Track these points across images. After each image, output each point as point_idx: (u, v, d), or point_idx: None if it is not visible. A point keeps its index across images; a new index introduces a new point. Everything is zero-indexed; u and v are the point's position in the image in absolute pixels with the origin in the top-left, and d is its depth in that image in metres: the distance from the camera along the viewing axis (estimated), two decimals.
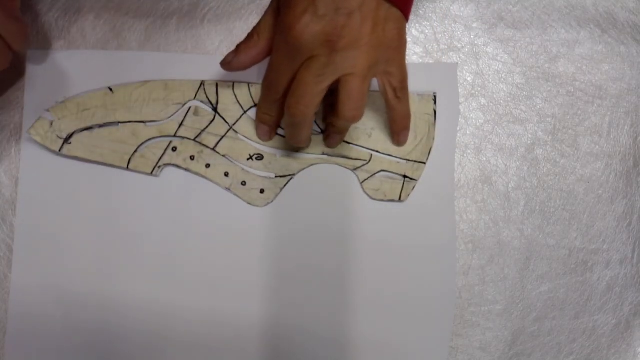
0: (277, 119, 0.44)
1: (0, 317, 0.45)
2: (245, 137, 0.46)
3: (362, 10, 0.36)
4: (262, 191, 0.46)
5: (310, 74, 0.37)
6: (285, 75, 0.39)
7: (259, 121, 0.45)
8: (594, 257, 0.47)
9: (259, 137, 0.45)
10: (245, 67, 0.41)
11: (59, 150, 0.45)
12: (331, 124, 0.44)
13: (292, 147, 0.46)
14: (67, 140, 0.45)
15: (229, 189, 0.46)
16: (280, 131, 0.46)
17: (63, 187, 0.46)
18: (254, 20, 0.47)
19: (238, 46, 0.41)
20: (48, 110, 0.45)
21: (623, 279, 0.46)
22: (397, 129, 0.45)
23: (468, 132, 0.47)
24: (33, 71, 0.46)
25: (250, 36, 0.41)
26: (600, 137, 0.48)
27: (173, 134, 0.46)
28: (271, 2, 0.40)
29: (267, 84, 0.41)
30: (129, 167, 0.45)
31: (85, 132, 0.45)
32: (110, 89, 0.46)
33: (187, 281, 0.45)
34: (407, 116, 0.44)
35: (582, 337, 0.46)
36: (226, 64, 0.41)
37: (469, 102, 0.47)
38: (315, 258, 0.46)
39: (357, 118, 0.39)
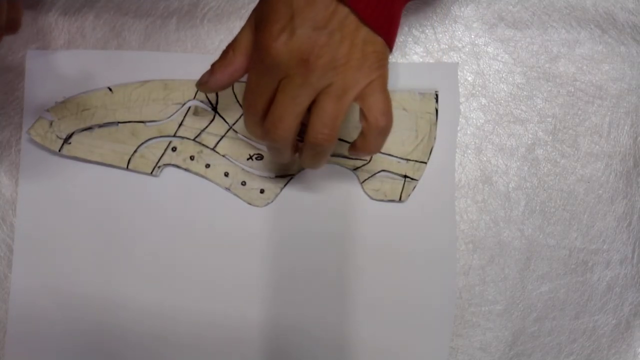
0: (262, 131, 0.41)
1: (1, 317, 0.45)
2: (245, 137, 0.46)
3: (342, 30, 0.35)
4: (262, 191, 0.46)
5: (287, 95, 0.36)
6: (262, 96, 0.37)
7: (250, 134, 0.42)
8: (594, 257, 0.47)
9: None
10: (222, 86, 0.39)
11: (59, 150, 0.45)
12: (300, 153, 0.40)
13: None
14: (66, 140, 0.45)
15: (229, 189, 0.46)
16: None
17: (63, 187, 0.46)
18: None
19: (213, 65, 0.39)
20: (48, 110, 0.45)
21: (623, 279, 0.46)
22: (359, 152, 0.39)
23: (468, 132, 0.47)
24: (33, 71, 0.46)
25: (224, 53, 0.38)
26: (600, 137, 0.48)
27: (173, 134, 0.46)
28: (249, 18, 0.38)
29: (247, 105, 0.38)
30: (129, 167, 0.45)
31: (85, 132, 0.45)
32: (110, 89, 0.46)
33: (187, 282, 0.45)
34: (378, 148, 0.39)
35: (583, 337, 0.46)
36: (202, 84, 0.39)
37: (470, 102, 0.47)
38: (315, 258, 0.46)
39: (325, 141, 0.36)
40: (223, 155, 0.46)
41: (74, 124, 0.45)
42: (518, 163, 0.47)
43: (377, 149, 0.39)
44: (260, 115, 0.38)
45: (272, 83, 0.36)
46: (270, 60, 0.35)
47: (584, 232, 0.47)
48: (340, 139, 0.46)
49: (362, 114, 0.37)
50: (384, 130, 0.37)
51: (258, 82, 0.37)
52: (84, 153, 0.45)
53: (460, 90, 0.47)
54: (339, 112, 0.36)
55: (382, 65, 0.37)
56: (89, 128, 0.45)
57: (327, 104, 0.36)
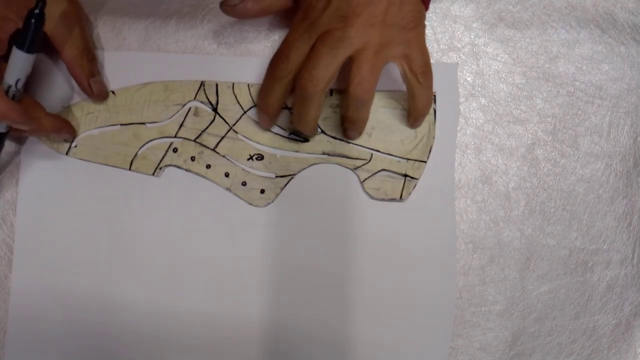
0: (279, 102, 0.43)
1: (1, 318, 0.45)
2: (245, 137, 0.46)
3: None
4: (262, 191, 0.46)
5: (325, 46, 0.38)
6: (300, 50, 0.39)
7: (259, 109, 0.45)
8: (594, 257, 0.47)
9: (260, 124, 0.46)
10: (247, 16, 0.43)
11: (66, 154, 0.45)
12: (343, 111, 0.43)
13: (293, 147, 0.46)
14: (73, 143, 0.45)
15: (230, 190, 0.46)
16: (280, 131, 0.46)
17: (63, 187, 0.46)
18: (253, 20, 0.47)
19: None
20: None
21: (623, 279, 0.46)
22: (416, 115, 0.44)
23: (468, 132, 0.47)
24: (33, 72, 0.46)
25: None
26: (600, 137, 0.48)
27: (174, 135, 0.46)
28: None
29: (278, 59, 0.41)
30: (131, 168, 0.45)
31: (89, 135, 0.46)
32: (113, 92, 0.46)
33: (188, 282, 0.45)
34: (429, 103, 0.43)
35: (583, 337, 0.46)
36: (229, 6, 0.42)
37: (469, 102, 0.47)
38: (315, 258, 0.46)
39: (365, 94, 0.40)
40: (223, 156, 0.46)
41: (80, 127, 0.45)
42: (518, 163, 0.47)
43: (431, 97, 0.43)
44: (289, 71, 0.40)
45: (311, 38, 0.39)
46: (312, 15, 0.39)
47: (584, 232, 0.47)
48: (340, 139, 0.46)
49: (404, 73, 0.41)
50: (425, 77, 0.41)
51: (298, 37, 0.40)
52: (89, 155, 0.46)
53: (459, 90, 0.47)
54: (376, 68, 0.39)
55: (418, 24, 0.40)
56: (93, 131, 0.46)
57: (365, 57, 0.39)
